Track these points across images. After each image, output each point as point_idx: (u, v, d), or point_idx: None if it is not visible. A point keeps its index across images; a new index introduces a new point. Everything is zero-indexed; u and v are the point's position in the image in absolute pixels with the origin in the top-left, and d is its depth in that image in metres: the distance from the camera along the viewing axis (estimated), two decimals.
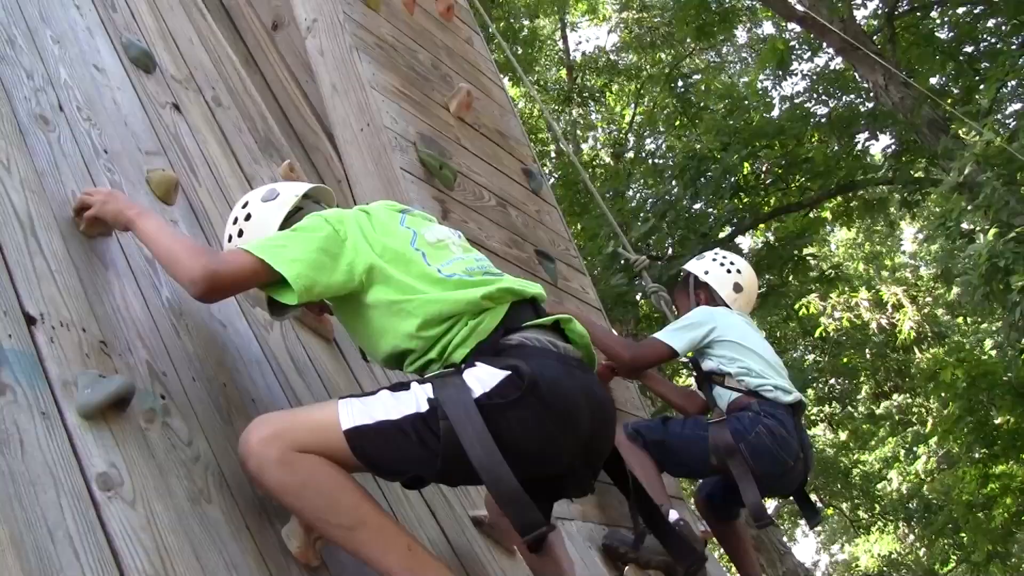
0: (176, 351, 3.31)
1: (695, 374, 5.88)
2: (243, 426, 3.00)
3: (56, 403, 2.66)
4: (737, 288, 5.83)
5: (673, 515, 4.95)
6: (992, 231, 13.07)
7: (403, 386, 2.99)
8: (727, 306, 5.77)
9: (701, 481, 5.94)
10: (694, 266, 6.00)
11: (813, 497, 27.72)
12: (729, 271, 5.87)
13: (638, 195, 21.16)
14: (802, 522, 30.84)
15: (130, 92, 4.48)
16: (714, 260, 5.96)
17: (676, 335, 5.59)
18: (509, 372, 2.90)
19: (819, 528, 35.15)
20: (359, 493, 2.89)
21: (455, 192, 5.56)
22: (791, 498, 6.02)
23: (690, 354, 5.64)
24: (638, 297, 17.15)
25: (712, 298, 5.85)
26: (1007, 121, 16.86)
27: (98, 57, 4.45)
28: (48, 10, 4.36)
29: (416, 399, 2.91)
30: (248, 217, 3.53)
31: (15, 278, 2.89)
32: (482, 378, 2.91)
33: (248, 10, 6.16)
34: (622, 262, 14.81)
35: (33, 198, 3.25)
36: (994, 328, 22.14)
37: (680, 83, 24.09)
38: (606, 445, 3.22)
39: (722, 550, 6.37)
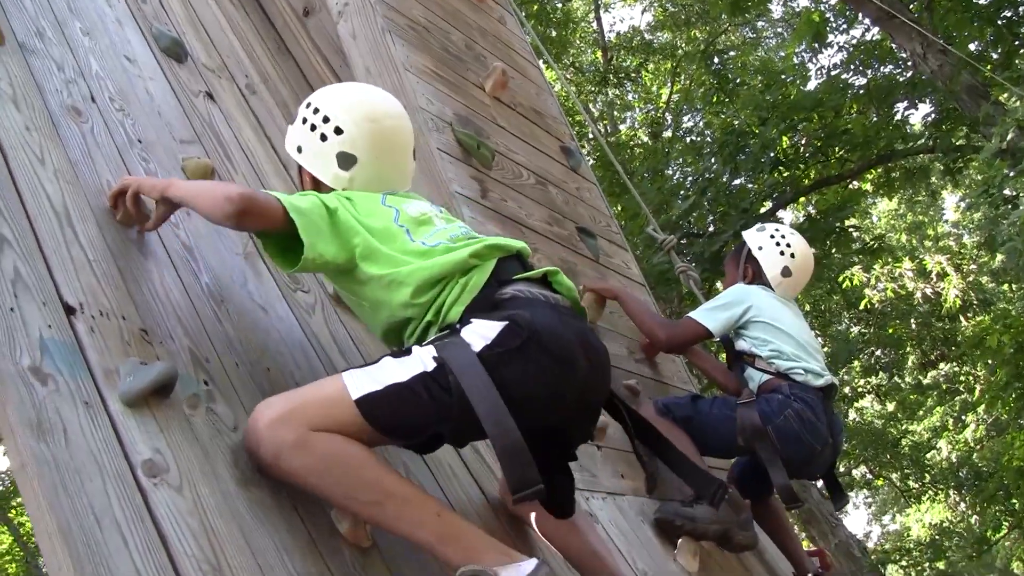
0: (218, 337, 3.30)
1: (727, 354, 5.84)
2: None
3: (99, 391, 2.66)
4: (786, 272, 5.71)
5: None
6: None
7: (405, 351, 3.02)
8: (770, 286, 5.70)
9: (733, 460, 5.89)
10: (751, 237, 5.89)
11: (864, 469, 27.69)
12: (783, 253, 5.74)
13: (677, 173, 21.08)
14: (852, 493, 30.77)
15: (162, 82, 4.48)
16: (771, 237, 5.81)
17: (711, 315, 5.55)
18: (507, 322, 2.96)
19: (869, 499, 35.09)
20: (381, 466, 2.87)
21: (493, 171, 5.53)
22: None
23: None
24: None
25: (758, 275, 5.78)
26: None
27: (129, 48, 4.46)
28: (76, 2, 4.37)
29: (421, 360, 2.93)
30: (334, 131, 3.53)
31: (52, 268, 2.89)
32: (480, 332, 2.96)
33: None
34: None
35: (68, 188, 3.26)
36: None
37: (716, 60, 23.97)
38: (604, 389, 3.29)
39: None
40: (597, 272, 6.01)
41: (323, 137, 3.51)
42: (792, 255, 5.72)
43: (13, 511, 21.67)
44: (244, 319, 3.51)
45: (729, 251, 6.25)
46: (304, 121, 3.58)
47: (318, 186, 3.54)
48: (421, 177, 5.03)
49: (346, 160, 3.50)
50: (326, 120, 3.52)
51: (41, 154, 3.27)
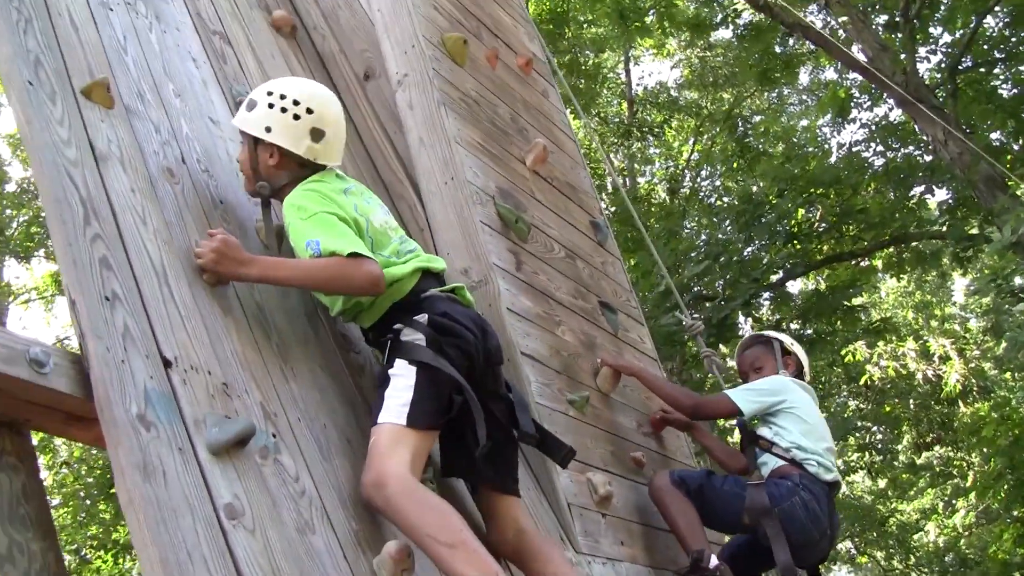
0: (284, 393, 3.71)
1: (741, 436, 6.16)
2: (341, 464, 3.64)
3: (190, 439, 3.08)
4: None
5: (713, 560, 5.22)
6: None
7: (385, 380, 3.90)
8: (794, 376, 6.11)
9: (727, 541, 6.17)
10: (778, 335, 6.48)
11: (849, 544, 27.58)
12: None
13: (691, 233, 21.30)
14: (836, 567, 30.75)
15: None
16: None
17: (747, 397, 5.85)
18: (427, 315, 4.01)
19: (851, 574, 34.99)
20: (463, 520, 3.48)
21: (528, 244, 5.91)
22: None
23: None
24: (686, 337, 17.35)
25: (800, 368, 6.26)
26: None
27: (212, 109, 4.82)
28: (170, 65, 4.72)
29: (405, 372, 3.86)
30: (306, 111, 4.25)
31: (154, 324, 3.30)
32: (415, 331, 3.97)
33: (342, 59, 6.50)
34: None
35: (165, 248, 3.64)
36: None
37: (740, 124, 24.27)
38: (498, 350, 4.33)
39: None
40: (615, 347, 6.36)
41: (296, 117, 4.21)
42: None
43: None
44: (305, 377, 3.92)
45: (747, 335, 6.63)
46: (271, 106, 4.21)
47: (282, 160, 4.24)
48: (462, 245, 5.44)
49: (317, 135, 4.25)
50: (296, 103, 4.22)
51: (144, 215, 3.66)
